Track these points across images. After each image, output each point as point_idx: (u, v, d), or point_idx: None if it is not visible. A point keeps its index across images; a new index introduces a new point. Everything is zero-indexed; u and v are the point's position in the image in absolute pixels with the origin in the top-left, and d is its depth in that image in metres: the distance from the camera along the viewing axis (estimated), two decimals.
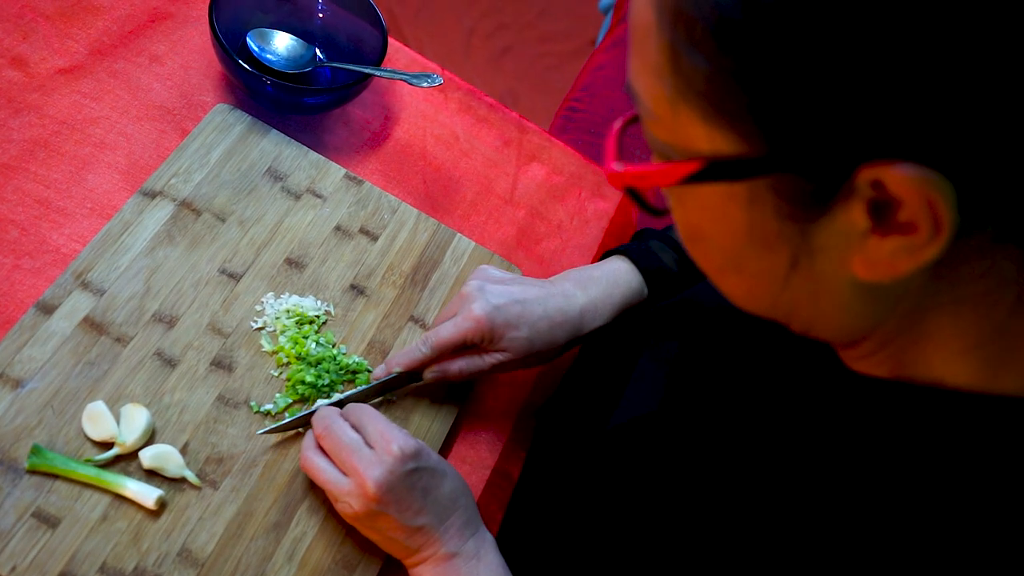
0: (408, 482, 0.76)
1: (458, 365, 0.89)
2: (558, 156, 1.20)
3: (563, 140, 1.23)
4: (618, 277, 0.91)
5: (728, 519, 0.65)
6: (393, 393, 0.92)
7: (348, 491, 0.77)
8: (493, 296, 0.87)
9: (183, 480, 0.82)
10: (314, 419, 0.82)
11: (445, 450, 0.95)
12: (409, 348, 0.90)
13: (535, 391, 1.02)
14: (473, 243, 1.05)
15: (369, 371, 0.93)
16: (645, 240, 0.95)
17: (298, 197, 1.00)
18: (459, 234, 1.05)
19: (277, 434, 0.86)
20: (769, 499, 0.60)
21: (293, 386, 0.89)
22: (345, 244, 1.00)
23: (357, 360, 0.92)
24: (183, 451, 0.83)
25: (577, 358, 1.05)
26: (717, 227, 0.52)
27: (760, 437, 0.67)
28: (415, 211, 1.05)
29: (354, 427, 0.80)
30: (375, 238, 1.01)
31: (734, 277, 0.56)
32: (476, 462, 0.95)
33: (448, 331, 0.87)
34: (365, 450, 0.77)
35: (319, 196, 1.02)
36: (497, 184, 1.14)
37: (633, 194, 0.54)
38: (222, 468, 0.84)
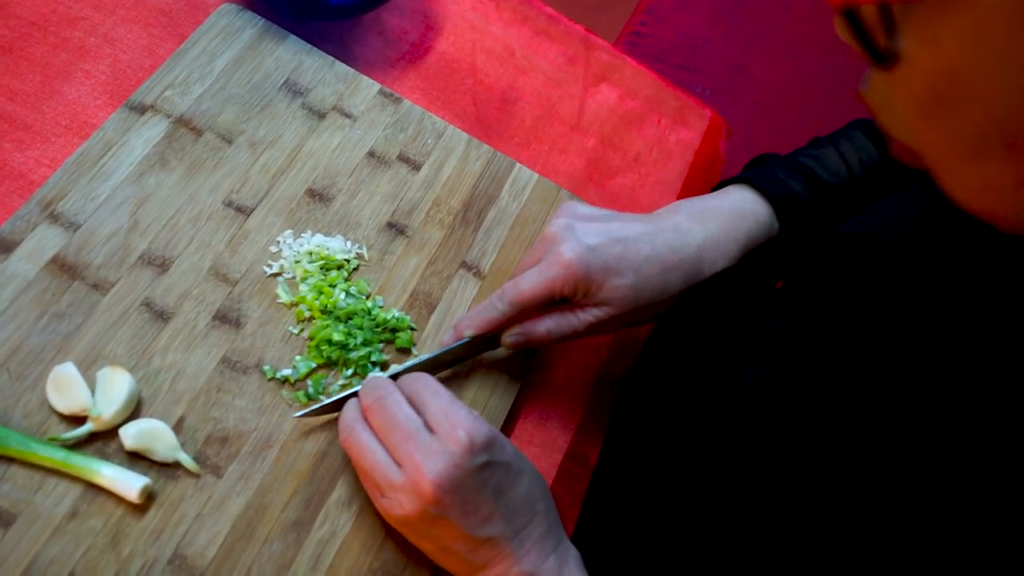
0: (477, 480, 0.58)
1: (545, 325, 0.70)
2: (631, 77, 1.00)
3: None
4: (742, 208, 0.71)
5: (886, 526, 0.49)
6: (463, 365, 0.73)
7: (399, 485, 0.59)
8: (586, 235, 0.67)
9: (176, 465, 0.64)
10: (363, 388, 0.64)
11: (507, 430, 0.75)
12: (482, 306, 0.71)
13: (613, 356, 0.83)
14: (536, 175, 0.85)
15: (413, 329, 0.74)
16: (768, 166, 0.74)
17: (322, 116, 0.81)
18: (519, 164, 0.86)
19: (312, 417, 0.67)
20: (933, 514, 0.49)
21: (317, 346, 0.70)
22: (380, 173, 0.80)
23: (397, 315, 0.73)
24: (177, 428, 0.65)
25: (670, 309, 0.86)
26: (992, 71, 0.32)
27: (929, 430, 0.49)
28: (465, 136, 0.85)
29: (411, 403, 0.61)
30: (417, 167, 0.82)
31: (1000, 160, 0.36)
32: (545, 444, 0.76)
33: (532, 282, 0.68)
34: (425, 435, 0.59)
35: (348, 115, 0.82)
36: (561, 108, 0.95)
37: (852, 20, 0.35)
38: (227, 450, 0.65)
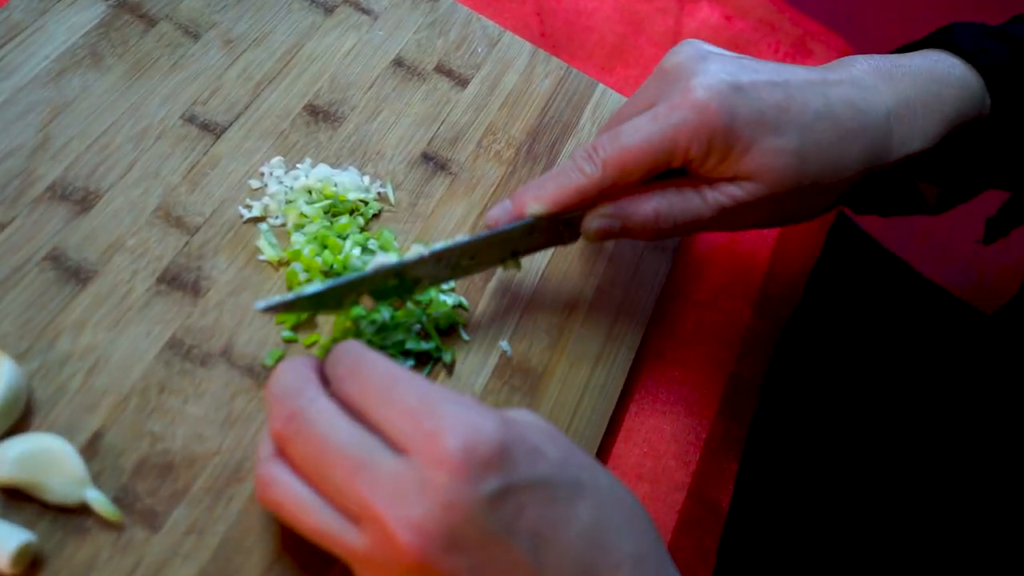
0: (490, 522, 0.33)
1: (653, 205, 0.46)
2: None
3: None
4: (945, 73, 0.47)
5: None
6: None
7: (363, 554, 0.34)
8: (729, 69, 0.44)
9: (84, 510, 0.39)
10: (267, 395, 0.37)
11: (602, 453, 0.50)
12: (559, 169, 0.46)
13: (747, 350, 0.57)
14: (625, 99, 0.61)
15: (462, 307, 0.49)
16: (963, 31, 0.50)
17: (330, 10, 0.57)
18: (603, 85, 0.61)
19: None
20: None
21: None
22: (411, 88, 0.56)
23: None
24: (88, 450, 0.40)
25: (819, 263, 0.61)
26: None
27: None
28: (528, 45, 0.61)
29: (354, 403, 0.36)
30: (463, 82, 0.57)
31: None
32: (656, 478, 0.51)
33: (642, 134, 0.44)
34: (383, 458, 0.34)
35: (366, 11, 0.58)
36: (652, 25, 0.70)
37: None
38: (170, 486, 0.40)
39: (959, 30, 0.50)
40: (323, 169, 0.50)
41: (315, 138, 0.52)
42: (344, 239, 0.49)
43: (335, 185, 0.50)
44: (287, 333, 0.46)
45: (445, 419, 0.33)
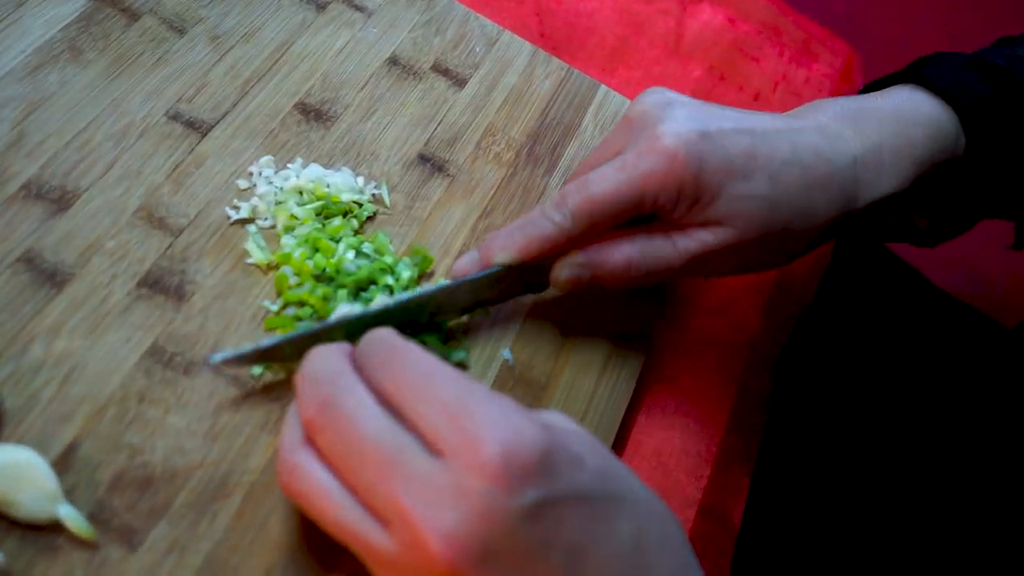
0: (529, 535, 0.31)
1: (624, 252, 0.44)
2: None
3: None
4: (914, 112, 0.47)
5: None
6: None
7: (388, 557, 0.32)
8: (696, 116, 0.43)
9: (56, 527, 0.36)
10: (300, 379, 0.35)
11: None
12: (527, 218, 0.45)
13: (756, 359, 0.55)
14: (630, 102, 0.59)
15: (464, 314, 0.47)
16: (938, 64, 0.48)
17: (322, 7, 0.55)
18: (605, 87, 0.59)
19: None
20: None
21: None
22: (407, 87, 0.54)
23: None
24: (61, 463, 0.37)
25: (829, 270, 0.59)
26: None
27: None
28: (528, 45, 0.59)
29: (385, 399, 0.34)
30: (460, 82, 0.55)
31: None
32: (666, 494, 0.48)
33: (610, 181, 0.43)
34: (419, 459, 0.32)
35: (359, 8, 0.56)
36: (653, 27, 0.69)
37: None
38: (149, 501, 0.37)
39: (935, 64, 0.49)
40: (315, 169, 0.48)
41: (306, 137, 0.50)
42: (337, 242, 0.46)
43: (327, 186, 0.48)
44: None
45: (484, 421, 0.31)
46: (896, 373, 0.62)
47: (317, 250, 0.45)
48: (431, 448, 0.32)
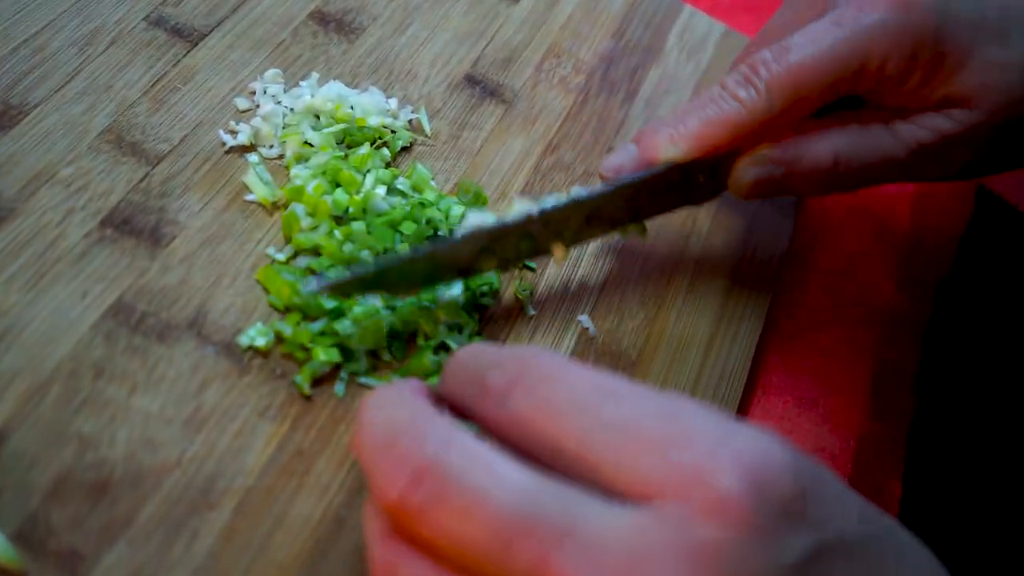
0: None
1: (830, 145, 0.33)
2: None
3: None
4: None
5: None
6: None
7: None
8: None
9: None
10: (369, 429, 0.22)
11: None
12: (707, 97, 0.33)
13: (893, 333, 0.43)
14: (721, 25, 0.48)
15: (529, 268, 0.36)
16: None
17: None
18: (688, 6, 0.48)
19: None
20: None
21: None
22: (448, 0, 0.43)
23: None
24: None
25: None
26: None
27: None
28: None
29: (524, 430, 0.22)
30: None
31: None
32: None
33: (823, 43, 0.32)
34: (601, 520, 0.19)
35: None
36: None
37: None
38: (105, 513, 0.27)
39: None
40: (335, 87, 0.37)
41: (324, 52, 0.39)
42: (364, 175, 0.35)
43: (351, 107, 0.37)
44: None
45: (710, 442, 0.20)
46: None
47: (338, 184, 0.35)
48: (621, 497, 0.20)
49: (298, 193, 0.34)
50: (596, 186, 0.33)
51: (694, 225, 0.40)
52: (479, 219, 0.31)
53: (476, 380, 0.23)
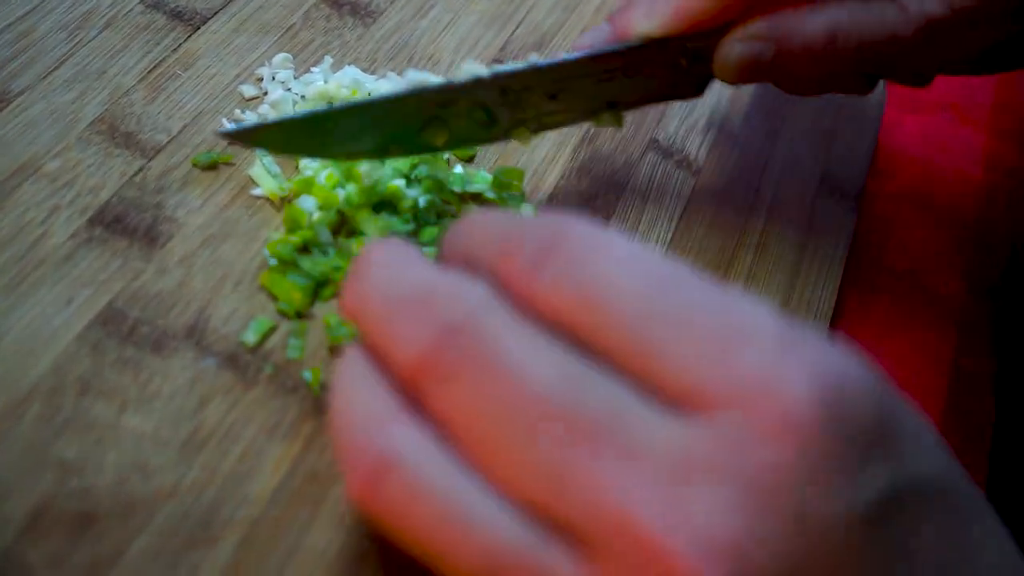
0: (871, 545, 0.16)
1: (827, 17, 0.29)
2: None
3: None
4: None
5: None
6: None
7: None
8: None
9: None
10: (382, 287, 0.20)
11: None
12: None
13: (968, 339, 0.39)
14: None
15: None
16: None
17: None
18: None
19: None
20: None
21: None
22: None
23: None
24: None
25: None
26: None
27: None
28: None
29: (557, 310, 0.18)
30: None
31: None
32: None
33: None
34: (651, 425, 0.16)
35: None
36: None
37: None
38: (90, 549, 0.23)
39: None
40: (351, 72, 0.34)
41: (338, 36, 0.36)
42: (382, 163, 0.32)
43: (368, 94, 0.33)
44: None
45: (778, 348, 0.17)
46: None
47: (351, 176, 0.31)
48: (670, 402, 0.17)
49: (307, 184, 0.31)
50: (559, 54, 0.30)
51: (747, 219, 0.36)
52: (421, 77, 0.27)
53: (498, 242, 0.20)
